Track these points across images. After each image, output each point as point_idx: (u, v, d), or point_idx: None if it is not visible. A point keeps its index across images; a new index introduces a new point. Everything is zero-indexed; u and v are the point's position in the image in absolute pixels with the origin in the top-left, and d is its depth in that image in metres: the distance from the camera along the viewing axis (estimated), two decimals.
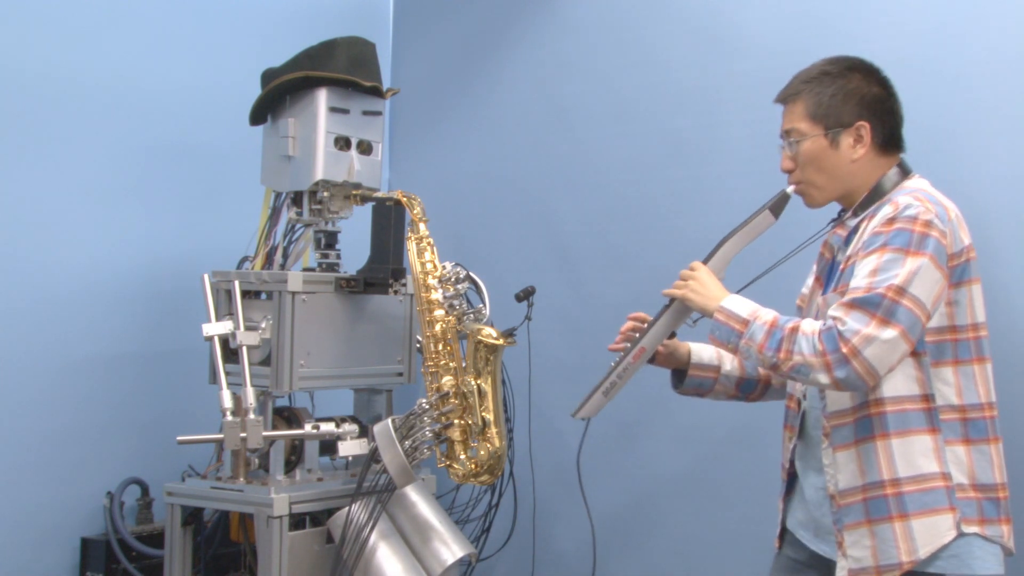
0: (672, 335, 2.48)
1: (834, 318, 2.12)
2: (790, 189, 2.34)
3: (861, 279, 2.14)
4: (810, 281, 2.49)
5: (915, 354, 2.18)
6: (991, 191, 2.82)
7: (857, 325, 2.09)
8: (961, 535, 2.15)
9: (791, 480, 2.41)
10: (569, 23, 3.68)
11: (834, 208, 2.39)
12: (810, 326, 2.15)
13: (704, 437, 3.35)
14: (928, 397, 2.18)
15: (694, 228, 2.59)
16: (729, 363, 2.56)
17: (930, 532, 2.15)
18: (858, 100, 2.28)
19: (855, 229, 2.29)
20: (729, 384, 2.57)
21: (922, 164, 2.37)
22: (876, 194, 2.29)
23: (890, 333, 2.08)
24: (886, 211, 2.18)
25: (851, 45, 3.05)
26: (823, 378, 2.12)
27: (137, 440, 3.39)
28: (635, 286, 2.85)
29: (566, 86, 3.68)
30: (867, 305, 2.10)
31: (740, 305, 2.26)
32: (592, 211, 3.59)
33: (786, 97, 2.35)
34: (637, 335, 2.44)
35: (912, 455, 2.17)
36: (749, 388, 2.58)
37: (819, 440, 2.29)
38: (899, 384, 2.18)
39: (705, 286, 2.32)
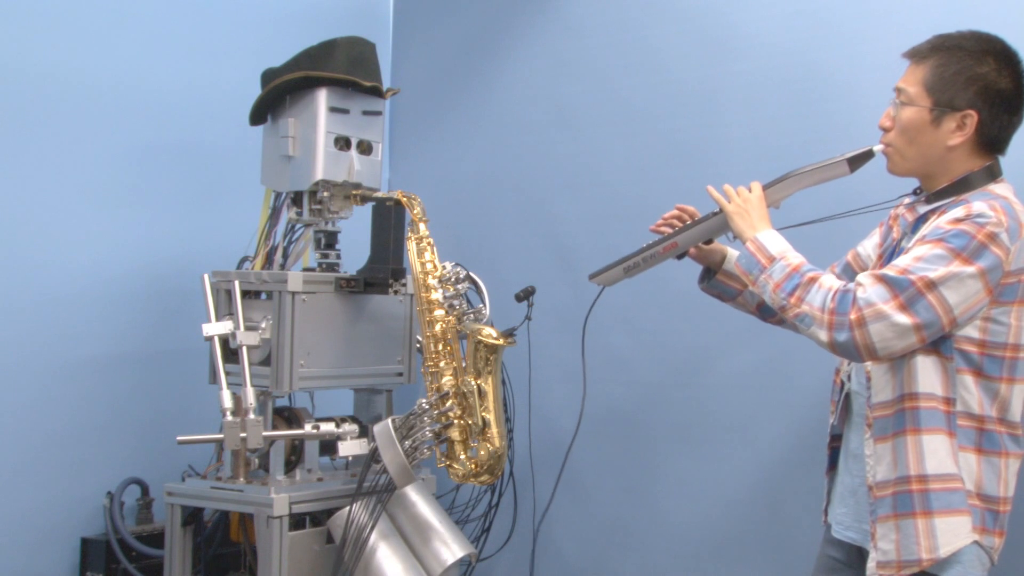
0: (709, 241, 2.51)
1: (857, 283, 2.12)
2: (877, 148, 2.28)
3: (902, 260, 2.12)
4: (868, 244, 2.46)
5: (943, 357, 2.16)
6: None
7: (875, 298, 2.08)
8: (971, 541, 2.15)
9: (834, 455, 2.42)
10: (569, 23, 3.68)
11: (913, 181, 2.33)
12: (830, 281, 2.15)
13: (706, 436, 3.35)
14: (949, 400, 2.16)
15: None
16: None
17: (953, 532, 2.14)
18: (980, 88, 2.17)
19: (924, 218, 2.24)
20: (751, 301, 2.58)
21: None
22: (956, 188, 2.21)
23: (902, 319, 2.07)
24: (957, 212, 2.12)
25: (851, 45, 3.08)
26: (822, 335, 2.13)
27: (137, 440, 3.39)
28: (636, 286, 2.85)
29: (566, 86, 3.68)
30: (894, 284, 2.09)
31: (773, 241, 2.25)
32: (592, 211, 3.59)
33: (913, 55, 2.26)
34: (677, 227, 2.47)
35: (941, 453, 2.15)
36: (770, 311, 2.57)
37: (862, 428, 2.28)
38: (932, 382, 2.16)
39: (750, 211, 2.32)
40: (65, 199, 3.27)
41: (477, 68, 3.92)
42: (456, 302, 2.95)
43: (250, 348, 3.00)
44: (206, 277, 3.07)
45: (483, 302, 2.98)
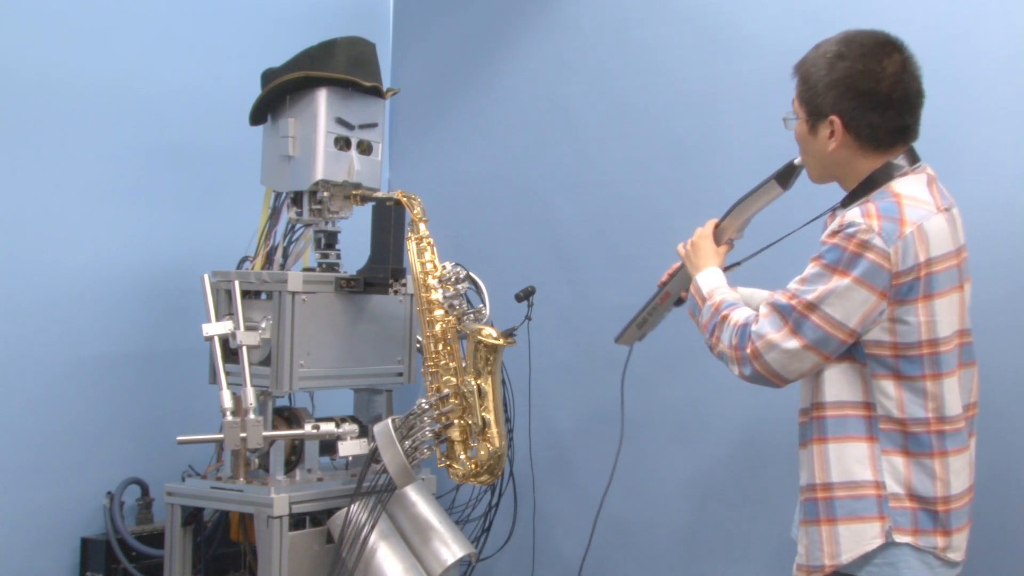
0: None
1: (757, 314, 2.16)
2: (797, 160, 2.32)
3: (792, 283, 2.16)
4: None
5: (858, 363, 2.17)
6: (992, 191, 2.82)
7: (767, 328, 2.13)
8: (891, 544, 2.14)
9: None
10: (569, 23, 3.68)
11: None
12: (737, 316, 2.19)
13: (705, 436, 3.35)
14: (869, 405, 2.17)
15: (694, 228, 2.60)
16: None
17: (855, 538, 2.15)
18: (840, 92, 2.19)
19: None
20: None
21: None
22: (862, 190, 2.22)
23: (793, 344, 2.11)
24: (833, 224, 2.16)
25: None
26: (734, 370, 2.18)
27: (137, 440, 3.39)
28: (635, 286, 2.85)
29: (566, 86, 3.68)
30: (782, 311, 2.14)
31: (708, 281, 2.30)
32: (592, 211, 3.60)
33: (794, 71, 2.31)
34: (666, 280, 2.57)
35: (847, 461, 2.16)
36: None
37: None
38: (842, 389, 2.18)
39: (697, 252, 2.39)
40: (65, 199, 3.27)
41: (477, 68, 3.92)
42: (456, 302, 2.94)
43: (250, 348, 3.00)
44: (206, 277, 3.07)
45: (483, 302, 2.98)
